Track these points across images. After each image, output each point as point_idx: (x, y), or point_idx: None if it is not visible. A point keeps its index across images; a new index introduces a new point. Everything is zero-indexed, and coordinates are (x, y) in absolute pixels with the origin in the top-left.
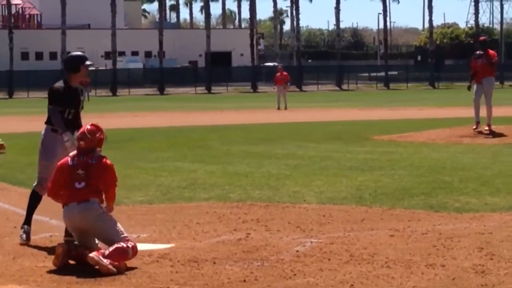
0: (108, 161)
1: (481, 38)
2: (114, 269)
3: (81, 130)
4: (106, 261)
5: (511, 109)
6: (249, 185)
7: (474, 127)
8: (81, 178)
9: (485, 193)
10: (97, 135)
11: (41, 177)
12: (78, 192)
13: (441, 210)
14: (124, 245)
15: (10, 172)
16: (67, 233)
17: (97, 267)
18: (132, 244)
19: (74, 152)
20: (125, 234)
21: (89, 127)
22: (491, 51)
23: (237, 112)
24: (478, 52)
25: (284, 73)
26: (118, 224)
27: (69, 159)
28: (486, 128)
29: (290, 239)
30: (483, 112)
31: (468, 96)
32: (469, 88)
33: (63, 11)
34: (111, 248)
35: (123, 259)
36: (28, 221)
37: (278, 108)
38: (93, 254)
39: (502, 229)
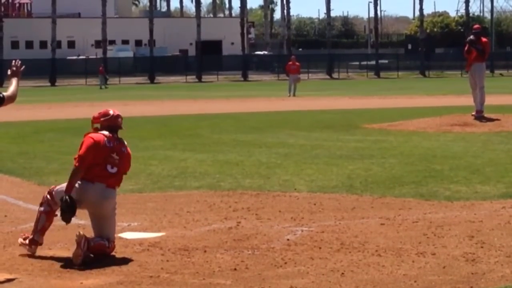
0: (129, 150)
1: (476, 26)
2: (80, 262)
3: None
4: (83, 249)
5: (501, 98)
6: (240, 173)
7: (473, 113)
8: (115, 164)
9: (475, 182)
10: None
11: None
12: (111, 177)
13: (431, 199)
14: (107, 244)
15: (0, 161)
16: None
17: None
18: (113, 245)
19: (106, 132)
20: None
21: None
22: (483, 39)
23: (227, 100)
24: (471, 37)
25: (297, 63)
26: None
27: (105, 139)
28: (473, 113)
29: (281, 228)
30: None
31: (458, 84)
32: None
33: None
34: (98, 241)
35: (98, 252)
36: None
37: (289, 96)
38: (83, 234)
39: (493, 217)
